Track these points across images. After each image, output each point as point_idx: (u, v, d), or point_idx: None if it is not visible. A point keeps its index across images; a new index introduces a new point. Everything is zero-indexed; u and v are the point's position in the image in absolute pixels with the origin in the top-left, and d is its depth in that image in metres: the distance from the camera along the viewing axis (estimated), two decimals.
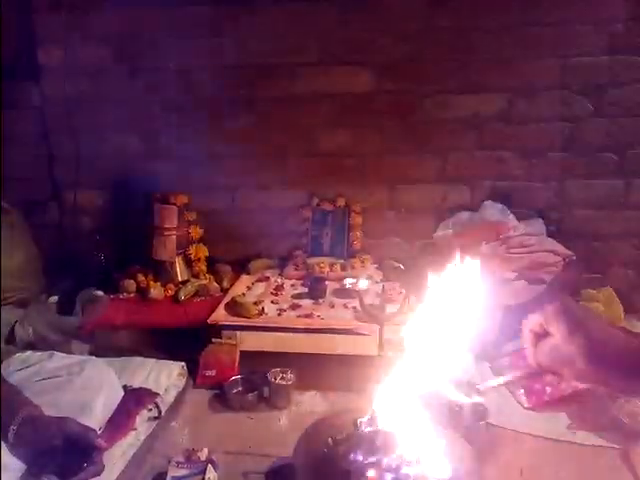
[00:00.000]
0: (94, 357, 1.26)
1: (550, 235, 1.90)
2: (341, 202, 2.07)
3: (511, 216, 1.92)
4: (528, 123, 1.95)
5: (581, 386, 1.25)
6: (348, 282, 1.81)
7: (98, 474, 0.93)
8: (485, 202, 1.98)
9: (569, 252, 1.80)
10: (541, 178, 1.99)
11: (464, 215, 1.98)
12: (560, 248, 1.80)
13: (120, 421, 1.18)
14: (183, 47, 1.97)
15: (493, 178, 2.01)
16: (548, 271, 1.74)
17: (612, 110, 1.90)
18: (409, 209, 2.08)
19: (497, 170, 2.00)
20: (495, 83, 1.93)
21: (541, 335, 0.60)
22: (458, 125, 1.97)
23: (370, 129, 2.01)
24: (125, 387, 1.27)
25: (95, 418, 1.10)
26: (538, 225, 1.92)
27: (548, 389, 1.35)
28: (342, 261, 2.01)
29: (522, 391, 1.37)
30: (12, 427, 0.92)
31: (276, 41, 1.95)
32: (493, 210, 1.94)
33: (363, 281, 1.78)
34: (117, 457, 1.13)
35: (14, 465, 0.90)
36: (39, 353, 1.26)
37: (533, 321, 0.61)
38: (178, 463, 1.09)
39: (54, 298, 1.80)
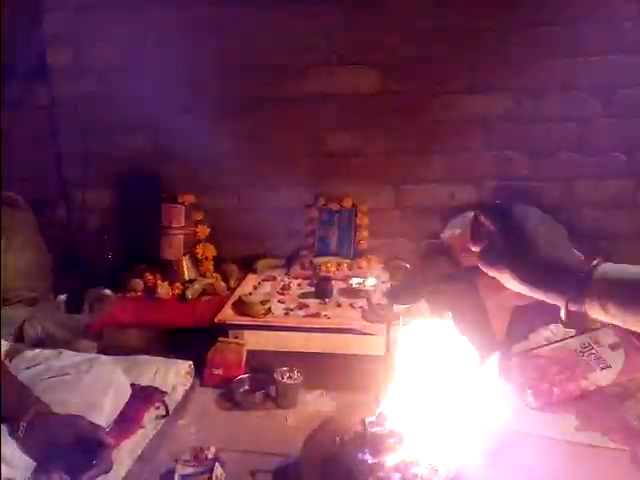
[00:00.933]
0: (102, 355, 1.26)
1: None
2: (348, 202, 2.07)
3: None
4: (536, 123, 1.95)
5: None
6: (355, 282, 1.81)
7: (107, 471, 0.93)
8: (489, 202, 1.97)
9: (577, 253, 1.79)
10: (549, 178, 1.99)
11: (471, 215, 1.97)
12: None
13: (128, 419, 1.19)
14: (191, 47, 1.98)
15: (501, 178, 2.01)
16: None
17: (621, 110, 1.89)
18: (416, 209, 2.08)
19: (505, 170, 2.00)
20: (503, 83, 1.92)
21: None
22: (465, 125, 1.97)
23: (377, 129, 2.01)
24: (133, 385, 1.28)
25: (104, 416, 1.11)
26: None
27: (556, 390, 1.35)
28: (349, 261, 2.01)
29: (530, 391, 1.36)
30: (22, 424, 0.92)
31: (283, 41, 1.95)
32: None
33: (370, 280, 1.78)
34: (125, 455, 1.13)
35: (24, 462, 0.90)
36: (48, 351, 1.27)
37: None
38: (186, 461, 1.09)
39: (62, 297, 1.81)
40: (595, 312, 0.52)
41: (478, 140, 1.98)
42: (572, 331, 1.44)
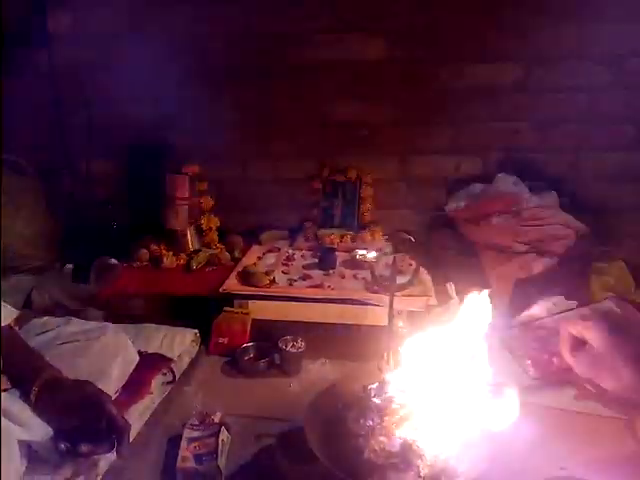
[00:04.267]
0: (110, 323, 1.28)
1: (563, 208, 1.88)
2: (352, 173, 2.06)
3: (525, 189, 1.90)
4: (544, 93, 1.91)
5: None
6: (358, 253, 1.82)
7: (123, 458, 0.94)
8: (499, 174, 1.95)
9: (582, 225, 1.78)
10: (556, 149, 1.96)
11: (477, 187, 1.97)
12: (573, 221, 1.79)
13: (136, 385, 1.22)
14: (195, 14, 1.94)
15: (507, 149, 1.99)
16: (560, 244, 1.73)
17: (631, 80, 1.85)
18: (421, 180, 2.07)
19: (512, 141, 1.98)
20: (511, 52, 1.88)
21: (580, 341, 0.57)
22: (472, 95, 1.94)
23: (383, 98, 1.98)
24: (140, 352, 1.30)
25: (112, 382, 1.13)
26: (552, 197, 1.90)
27: (555, 360, 1.37)
28: (352, 232, 2.01)
29: (529, 362, 1.38)
30: (34, 388, 0.95)
31: (286, 8, 1.91)
32: (507, 182, 1.92)
33: (373, 253, 1.79)
34: (134, 419, 1.16)
35: (37, 425, 0.93)
36: (57, 318, 1.29)
37: (571, 325, 0.58)
38: (193, 425, 1.12)
39: (69, 266, 1.83)
40: None
41: (485, 110, 1.95)
42: (574, 303, 1.45)
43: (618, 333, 0.52)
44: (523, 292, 1.55)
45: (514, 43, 1.87)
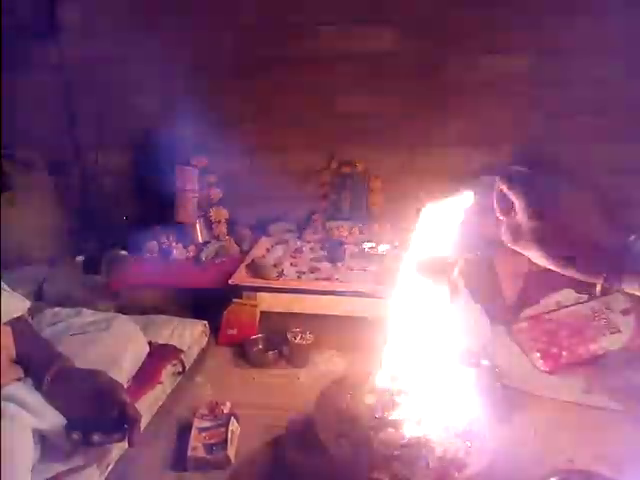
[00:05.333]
0: (121, 314, 1.29)
1: None
2: (361, 165, 2.05)
3: None
4: (557, 84, 1.89)
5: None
6: (367, 246, 1.82)
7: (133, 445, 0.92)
8: (510, 166, 1.94)
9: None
10: (570, 141, 1.94)
11: (487, 180, 1.95)
12: None
13: (147, 375, 1.23)
14: (207, 6, 1.93)
15: (519, 141, 1.97)
16: None
17: None
18: (430, 172, 2.05)
19: (523, 133, 1.96)
20: (523, 42, 1.86)
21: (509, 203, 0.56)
22: (482, 86, 1.92)
23: (392, 90, 1.97)
24: (150, 343, 1.32)
25: (123, 372, 1.14)
26: None
27: (565, 353, 1.36)
28: (361, 225, 2.01)
29: (538, 354, 1.38)
30: (47, 377, 0.96)
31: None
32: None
33: (382, 245, 1.79)
34: (144, 409, 1.18)
35: (50, 413, 0.95)
36: (68, 309, 1.30)
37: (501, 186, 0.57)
38: (202, 415, 1.14)
39: (80, 257, 1.85)
40: (633, 289, 0.50)
41: (496, 102, 1.93)
42: (584, 296, 1.44)
43: (540, 204, 0.51)
44: (533, 286, 1.54)
45: (525, 33, 1.84)
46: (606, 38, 1.80)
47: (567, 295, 1.49)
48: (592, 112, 1.89)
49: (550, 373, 1.35)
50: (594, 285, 0.54)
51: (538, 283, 1.50)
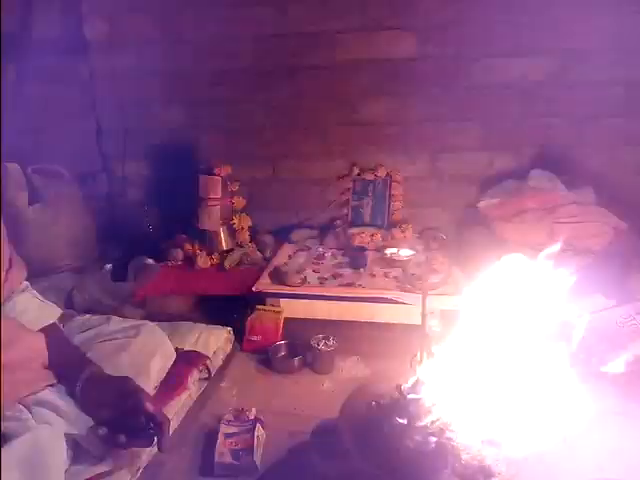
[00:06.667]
0: (149, 321, 1.31)
1: (601, 204, 1.83)
2: (382, 171, 2.05)
3: (560, 185, 1.86)
4: (579, 87, 1.86)
5: None
6: (389, 252, 1.81)
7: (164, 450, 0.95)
8: (533, 170, 1.92)
9: (621, 222, 1.73)
10: (593, 144, 1.91)
11: (511, 183, 1.93)
12: (611, 218, 1.74)
13: (173, 381, 1.25)
14: (226, 16, 1.97)
15: (541, 145, 1.95)
16: (598, 242, 1.68)
17: None
18: (452, 177, 2.04)
19: (546, 136, 1.93)
20: (545, 45, 1.84)
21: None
22: (505, 90, 1.91)
23: (413, 96, 1.97)
24: (176, 350, 1.34)
25: (152, 378, 1.17)
26: (588, 194, 1.85)
27: (594, 359, 1.34)
28: (383, 231, 2.01)
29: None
30: (78, 384, 0.99)
31: (317, 7, 1.92)
32: (541, 178, 1.88)
33: (404, 251, 1.78)
34: (172, 415, 1.20)
35: (82, 419, 0.97)
36: (97, 316, 1.33)
37: None
38: (229, 421, 1.15)
39: (108, 266, 1.89)
40: None
41: (518, 105, 1.92)
42: (612, 302, 1.41)
43: None
44: None
45: (548, 36, 1.82)
46: (632, 39, 1.77)
47: (596, 301, 1.46)
48: (616, 114, 1.86)
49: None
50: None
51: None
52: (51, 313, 1.13)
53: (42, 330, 1.07)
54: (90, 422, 0.97)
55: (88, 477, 0.96)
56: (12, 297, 1.08)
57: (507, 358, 0.93)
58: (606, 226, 1.72)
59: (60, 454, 0.91)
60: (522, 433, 0.89)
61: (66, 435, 0.94)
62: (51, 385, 1.01)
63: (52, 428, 0.92)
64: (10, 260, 1.08)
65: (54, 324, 1.12)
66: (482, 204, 1.94)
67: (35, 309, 1.10)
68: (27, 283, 1.14)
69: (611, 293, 1.44)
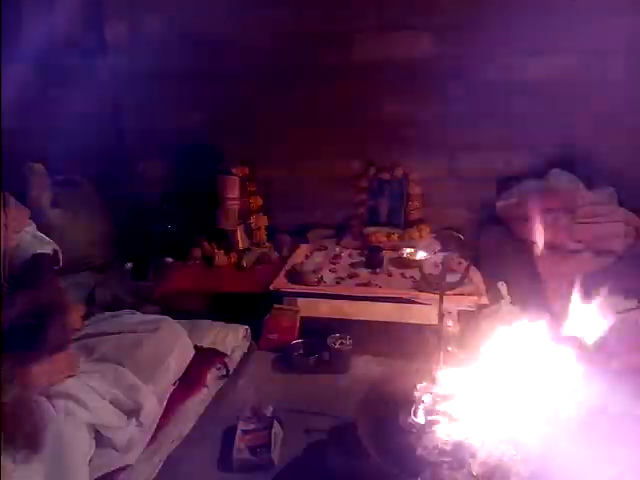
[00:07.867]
0: (168, 317, 1.33)
1: (623, 204, 1.80)
2: (399, 171, 2.05)
3: (580, 184, 1.83)
4: (598, 86, 1.83)
5: None
6: (406, 252, 1.81)
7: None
8: (552, 170, 1.89)
9: None
10: (613, 143, 1.88)
11: (530, 183, 1.91)
12: (632, 218, 1.71)
13: (193, 378, 1.27)
14: (244, 17, 1.98)
15: (560, 144, 1.92)
16: (619, 242, 1.66)
17: None
18: (470, 177, 2.03)
19: (565, 136, 1.91)
20: (564, 44, 1.82)
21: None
22: (522, 89, 1.89)
23: (430, 95, 1.96)
24: (195, 347, 1.35)
25: (170, 372, 1.18)
26: (609, 194, 1.82)
27: (613, 362, 1.32)
28: (399, 230, 2.01)
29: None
30: None
31: (333, 8, 1.92)
32: (561, 178, 1.86)
33: (421, 251, 1.78)
34: (191, 411, 1.22)
35: (104, 411, 1.00)
36: (119, 312, 1.36)
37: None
38: (247, 418, 1.16)
39: (129, 264, 1.93)
40: None
41: (535, 104, 1.89)
42: (634, 302, 1.39)
43: None
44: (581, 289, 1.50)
45: (567, 35, 1.80)
46: None
47: (617, 301, 1.44)
48: (637, 113, 1.83)
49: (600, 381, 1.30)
50: None
51: (585, 289, 1.46)
52: (46, 245, 1.20)
53: (35, 256, 1.14)
54: (111, 412, 0.99)
55: (110, 470, 0.98)
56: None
57: (524, 358, 0.93)
58: (628, 227, 1.69)
59: (83, 443, 0.94)
60: (539, 432, 0.88)
61: (88, 425, 0.96)
62: (71, 376, 1.02)
63: (74, 418, 0.94)
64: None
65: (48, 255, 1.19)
66: (500, 204, 1.93)
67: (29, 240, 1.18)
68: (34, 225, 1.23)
69: (632, 294, 1.41)
